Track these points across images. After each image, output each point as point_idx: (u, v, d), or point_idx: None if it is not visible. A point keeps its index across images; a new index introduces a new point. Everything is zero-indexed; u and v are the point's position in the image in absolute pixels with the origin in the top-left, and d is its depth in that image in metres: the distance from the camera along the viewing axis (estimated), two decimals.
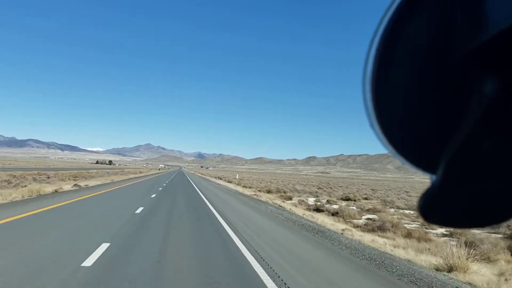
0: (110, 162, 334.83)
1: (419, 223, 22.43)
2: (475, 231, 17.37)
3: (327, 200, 38.27)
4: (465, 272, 8.73)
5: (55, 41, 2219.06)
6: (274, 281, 6.66)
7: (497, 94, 0.49)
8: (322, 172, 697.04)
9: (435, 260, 9.79)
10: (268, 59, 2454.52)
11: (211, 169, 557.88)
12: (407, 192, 66.21)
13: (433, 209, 0.57)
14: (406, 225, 20.76)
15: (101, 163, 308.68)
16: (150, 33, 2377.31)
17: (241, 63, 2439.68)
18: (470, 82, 0.53)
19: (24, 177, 38.70)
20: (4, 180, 32.08)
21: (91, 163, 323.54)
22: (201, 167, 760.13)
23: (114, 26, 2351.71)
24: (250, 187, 46.04)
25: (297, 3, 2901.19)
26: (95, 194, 24.88)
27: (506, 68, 0.49)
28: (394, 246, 12.43)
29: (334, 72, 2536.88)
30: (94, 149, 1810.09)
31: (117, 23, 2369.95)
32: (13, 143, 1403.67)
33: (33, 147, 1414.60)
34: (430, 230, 19.22)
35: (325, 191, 56.29)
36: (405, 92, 0.57)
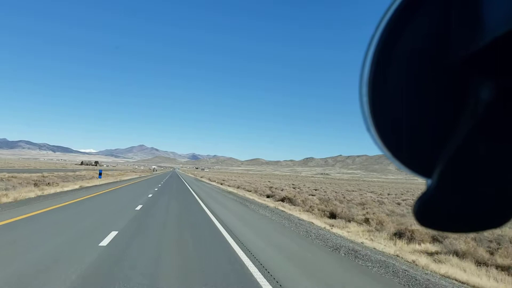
0: (96, 163, 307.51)
1: None
2: None
3: None
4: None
5: (50, 42, 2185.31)
6: None
7: (493, 99, 0.49)
8: (322, 174, 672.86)
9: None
10: (266, 60, 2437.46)
11: (207, 170, 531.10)
12: None
13: (429, 213, 0.57)
14: None
15: (87, 164, 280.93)
16: (146, 34, 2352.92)
17: (237, 65, 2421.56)
18: (466, 87, 0.52)
19: None
20: None
21: (76, 164, 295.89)
22: (196, 168, 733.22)
23: (111, 28, 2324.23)
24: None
25: (296, 6, 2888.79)
26: None
27: (503, 74, 0.49)
28: None
29: (331, 74, 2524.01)
30: (87, 151, 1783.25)
31: (114, 25, 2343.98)
32: (4, 144, 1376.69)
33: (24, 148, 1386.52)
34: None
35: None
36: (402, 96, 0.56)
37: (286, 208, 20.60)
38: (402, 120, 0.57)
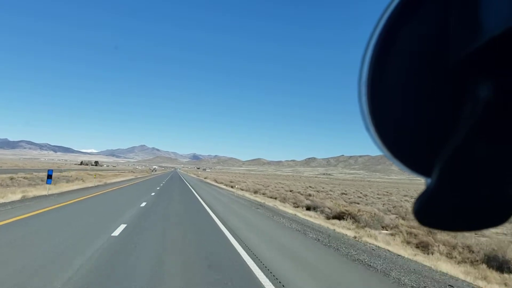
0: (96, 163, 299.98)
1: None
2: None
3: None
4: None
5: (50, 42, 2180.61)
6: None
7: (492, 99, 0.49)
8: (324, 174, 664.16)
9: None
10: (266, 60, 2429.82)
11: (209, 170, 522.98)
12: None
13: (428, 212, 0.57)
14: None
15: (86, 164, 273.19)
16: (146, 35, 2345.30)
17: (237, 65, 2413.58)
18: (465, 87, 0.52)
19: None
20: None
21: (76, 164, 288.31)
22: (198, 168, 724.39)
23: (111, 28, 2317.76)
24: None
25: (296, 6, 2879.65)
26: None
27: (502, 73, 0.48)
28: None
29: (331, 73, 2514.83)
30: (88, 151, 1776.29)
31: (114, 25, 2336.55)
32: (5, 144, 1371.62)
33: (25, 148, 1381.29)
34: None
35: None
36: (400, 95, 0.56)
37: (389, 244, 11.60)
38: (401, 120, 0.57)
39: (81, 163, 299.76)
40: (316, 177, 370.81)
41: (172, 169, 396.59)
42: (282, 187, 49.02)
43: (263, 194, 35.53)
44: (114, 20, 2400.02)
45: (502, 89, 0.49)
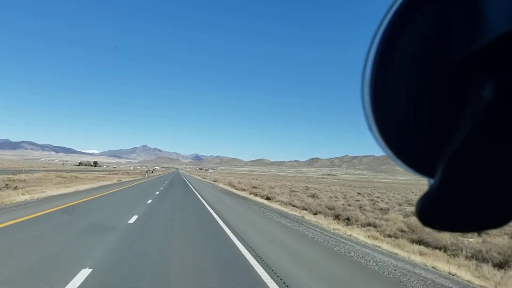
0: (95, 164, 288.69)
1: None
2: None
3: None
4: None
5: (51, 42, 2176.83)
6: None
7: (494, 98, 0.49)
8: (329, 174, 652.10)
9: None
10: (266, 60, 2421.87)
11: (211, 171, 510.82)
12: None
13: (431, 213, 0.57)
14: None
15: (85, 165, 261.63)
16: (146, 35, 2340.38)
17: (238, 65, 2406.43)
18: (467, 86, 0.53)
19: None
20: None
21: (74, 165, 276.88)
22: (200, 169, 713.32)
23: (111, 28, 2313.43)
24: None
25: (296, 6, 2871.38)
26: None
27: (503, 73, 0.49)
28: None
29: (333, 73, 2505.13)
30: (90, 151, 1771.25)
31: (114, 25, 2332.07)
32: (7, 145, 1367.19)
33: (27, 149, 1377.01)
34: None
35: None
36: (403, 95, 0.57)
37: None
38: (403, 120, 0.57)
39: (80, 164, 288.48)
40: (321, 177, 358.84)
41: (174, 170, 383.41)
42: (337, 198, 35.99)
43: (356, 222, 19.62)
44: (114, 20, 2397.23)
45: (503, 89, 0.49)
